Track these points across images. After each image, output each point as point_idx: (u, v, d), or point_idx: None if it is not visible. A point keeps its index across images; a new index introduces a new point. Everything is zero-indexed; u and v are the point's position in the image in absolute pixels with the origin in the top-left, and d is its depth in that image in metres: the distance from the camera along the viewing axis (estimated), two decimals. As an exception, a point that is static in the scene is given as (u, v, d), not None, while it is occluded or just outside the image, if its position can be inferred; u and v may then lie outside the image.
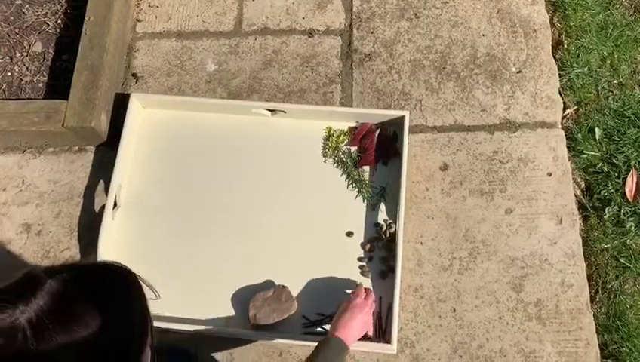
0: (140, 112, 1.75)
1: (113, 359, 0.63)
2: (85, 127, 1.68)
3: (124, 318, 0.65)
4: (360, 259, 1.58)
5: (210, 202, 1.65)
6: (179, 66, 1.87)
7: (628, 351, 1.52)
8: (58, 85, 1.80)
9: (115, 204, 1.62)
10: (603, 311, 1.57)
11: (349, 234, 1.60)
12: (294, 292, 1.53)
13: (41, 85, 1.83)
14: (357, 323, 1.31)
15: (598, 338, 1.53)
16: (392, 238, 1.57)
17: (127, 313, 0.66)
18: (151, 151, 1.72)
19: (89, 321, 0.61)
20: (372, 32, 1.87)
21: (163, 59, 1.88)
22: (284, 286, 1.53)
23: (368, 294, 1.41)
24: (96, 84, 1.71)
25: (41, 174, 1.75)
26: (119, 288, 0.67)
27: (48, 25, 1.91)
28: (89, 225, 1.67)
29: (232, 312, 1.54)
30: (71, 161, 1.76)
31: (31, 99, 1.79)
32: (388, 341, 1.46)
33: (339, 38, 1.88)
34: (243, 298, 1.54)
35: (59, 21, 1.91)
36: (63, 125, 1.67)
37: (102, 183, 1.71)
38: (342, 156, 1.68)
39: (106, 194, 1.63)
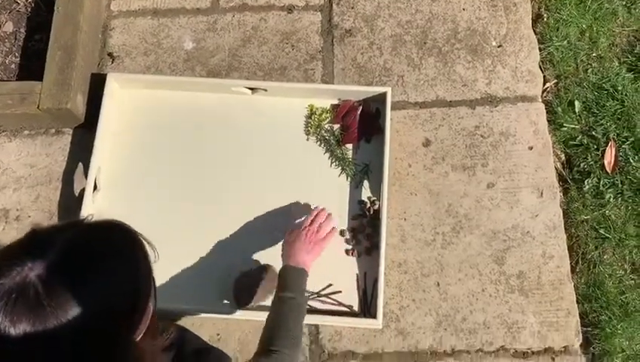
0: (117, 93, 1.71)
1: (121, 312, 0.64)
2: (61, 109, 1.64)
3: (131, 272, 0.67)
4: (344, 235, 1.58)
5: (192, 182, 1.64)
6: (156, 45, 1.83)
7: (607, 319, 1.56)
8: (31, 66, 1.76)
9: (95, 187, 1.60)
10: (583, 281, 1.60)
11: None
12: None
13: (13, 66, 1.79)
14: (303, 246, 1.35)
15: (578, 308, 1.56)
16: (376, 215, 1.57)
17: (134, 266, 0.67)
18: (130, 132, 1.69)
19: (98, 275, 0.62)
20: (352, 7, 1.85)
21: (139, 37, 1.84)
22: (268, 265, 1.52)
23: (313, 221, 1.42)
24: (71, 65, 1.67)
25: (17, 158, 1.72)
26: (125, 243, 0.68)
27: (19, 4, 1.85)
28: (69, 209, 1.65)
29: (217, 292, 1.54)
30: (48, 144, 1.73)
31: (3, 81, 1.75)
32: (373, 316, 1.48)
33: (319, 13, 1.85)
34: (228, 277, 1.53)
35: (29, 0, 1.85)
36: (38, 107, 1.64)
37: (81, 166, 1.69)
38: (324, 134, 1.67)
39: (86, 177, 1.61)
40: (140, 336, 0.67)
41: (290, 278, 1.28)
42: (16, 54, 1.80)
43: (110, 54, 1.82)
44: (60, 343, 0.58)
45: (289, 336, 1.14)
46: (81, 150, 1.69)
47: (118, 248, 0.67)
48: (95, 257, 0.64)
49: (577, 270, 1.61)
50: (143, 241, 0.70)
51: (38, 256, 0.60)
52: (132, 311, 0.66)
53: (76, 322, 0.59)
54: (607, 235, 1.63)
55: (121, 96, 1.72)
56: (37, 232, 0.65)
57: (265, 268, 1.52)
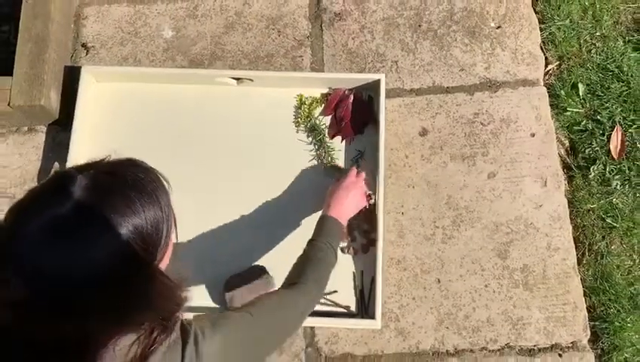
0: (93, 86, 1.63)
1: (147, 238, 0.68)
2: (34, 106, 1.56)
3: (153, 201, 0.71)
4: (339, 234, 1.52)
5: (177, 180, 1.49)
6: (133, 34, 1.74)
7: (615, 311, 1.51)
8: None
9: (73, 188, 1.52)
10: (590, 273, 1.55)
11: (327, 207, 1.53)
12: (272, 272, 1.46)
13: (-20, 60, 1.68)
14: (350, 200, 1.35)
15: (585, 301, 1.51)
16: (372, 210, 1.51)
17: (155, 195, 0.71)
18: (108, 128, 1.61)
19: (123, 207, 0.66)
20: (341, -11, 1.76)
21: (115, 26, 1.74)
22: (260, 266, 1.48)
23: (360, 173, 1.43)
24: (42, 58, 1.59)
25: (-12, 159, 1.63)
26: (144, 176, 0.73)
27: (-17, -7, 1.75)
28: (46, 212, 1.56)
29: (206, 296, 1.49)
30: (20, 143, 1.64)
31: (-30, 76, 1.65)
32: (372, 316, 1.43)
33: (306, -4, 1.76)
34: (218, 280, 1.48)
35: (-5, -12, 1.75)
36: (8, 104, 1.55)
37: (57, 166, 1.61)
38: (315, 125, 1.59)
39: (63, 178, 1.53)
40: (161, 262, 0.72)
41: (326, 230, 1.27)
42: (-16, 47, 1.70)
43: (84, 45, 1.72)
44: (91, 269, 0.63)
45: (316, 275, 1.14)
46: (57, 149, 1.61)
47: (138, 182, 0.71)
48: (117, 191, 0.68)
49: (584, 262, 1.55)
50: (159, 175, 0.75)
51: (65, 195, 0.64)
52: (156, 239, 0.70)
53: (107, 250, 0.64)
54: (615, 224, 1.57)
55: (97, 90, 1.63)
56: (61, 173, 0.69)
57: (257, 269, 1.47)
